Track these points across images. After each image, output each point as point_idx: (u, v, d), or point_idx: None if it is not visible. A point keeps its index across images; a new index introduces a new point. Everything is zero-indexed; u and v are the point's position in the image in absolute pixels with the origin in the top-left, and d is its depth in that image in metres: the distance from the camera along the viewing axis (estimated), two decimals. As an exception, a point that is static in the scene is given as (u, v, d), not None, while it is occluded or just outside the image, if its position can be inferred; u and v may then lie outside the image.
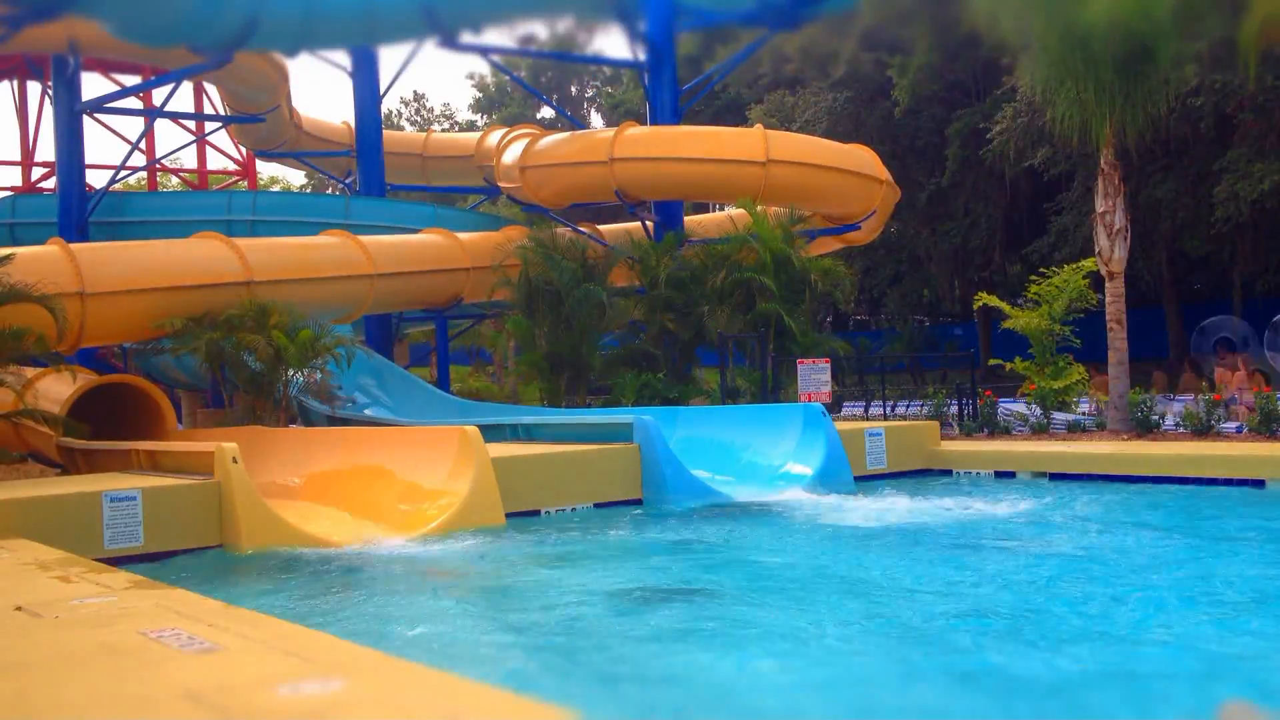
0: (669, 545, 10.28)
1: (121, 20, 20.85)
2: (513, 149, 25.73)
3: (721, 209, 33.43)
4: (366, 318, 25.09)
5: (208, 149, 40.05)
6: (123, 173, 28.20)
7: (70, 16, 21.03)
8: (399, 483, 12.28)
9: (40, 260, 18.08)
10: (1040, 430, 17.37)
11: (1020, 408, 18.48)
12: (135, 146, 27.04)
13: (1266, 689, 5.42)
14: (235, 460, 10.71)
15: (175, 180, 49.81)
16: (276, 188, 64.28)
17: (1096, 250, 17.75)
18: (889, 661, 6.10)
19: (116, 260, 19.14)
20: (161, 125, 39.45)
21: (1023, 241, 36.41)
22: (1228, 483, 12.48)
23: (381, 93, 28.04)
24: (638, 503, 12.98)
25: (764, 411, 16.00)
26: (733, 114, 45.23)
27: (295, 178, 66.99)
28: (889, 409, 20.80)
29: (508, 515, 11.61)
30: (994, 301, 21.21)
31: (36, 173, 37.17)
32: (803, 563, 9.15)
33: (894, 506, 11.93)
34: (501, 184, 26.56)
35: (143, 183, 46.05)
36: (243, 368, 18.67)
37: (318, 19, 21.61)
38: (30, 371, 18.58)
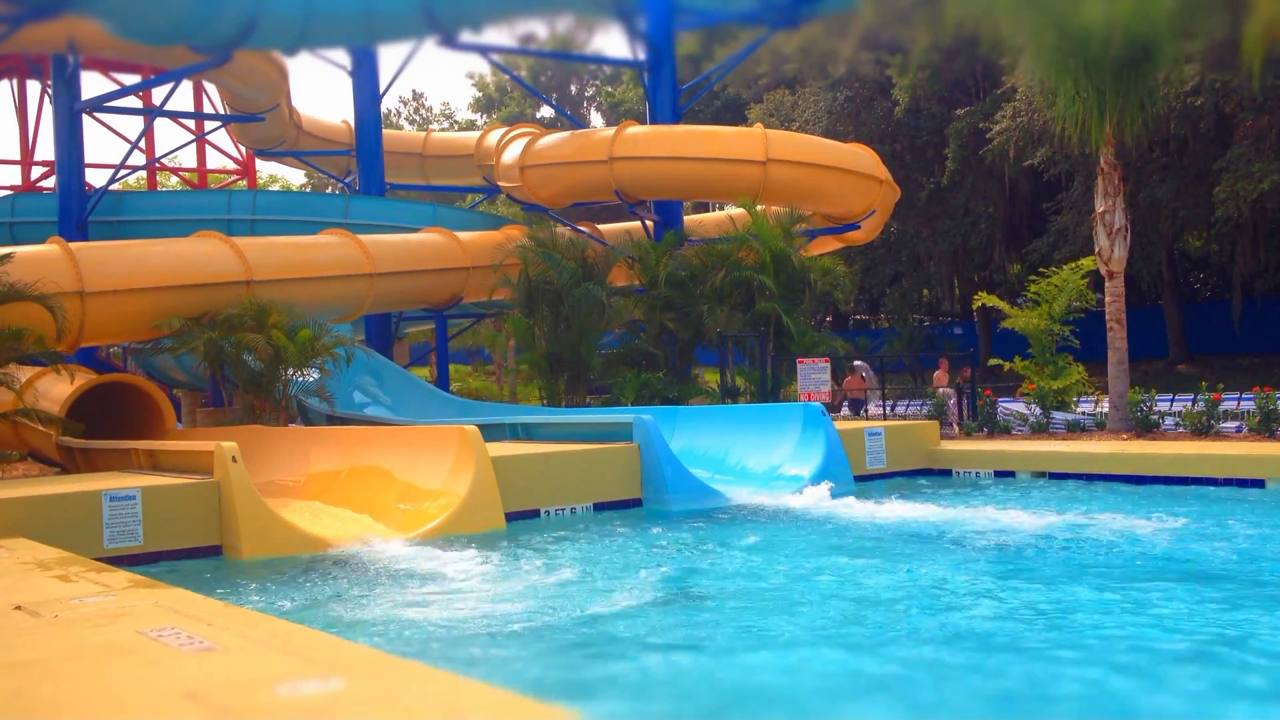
0: (668, 546, 10.27)
1: (121, 19, 20.83)
2: (512, 148, 25.73)
3: (721, 209, 33.43)
4: (366, 317, 25.09)
5: (207, 148, 40.06)
6: (122, 172, 28.16)
7: (70, 16, 21.01)
8: (398, 482, 12.27)
9: (40, 259, 18.08)
10: (1040, 430, 17.36)
11: (1020, 407, 18.47)
12: (135, 145, 27.01)
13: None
14: (235, 459, 10.70)
15: (175, 179, 49.82)
16: (276, 187, 64.28)
17: (1096, 250, 17.75)
18: (888, 662, 6.09)
19: (116, 259, 19.14)
20: (161, 124, 39.47)
21: (1023, 241, 36.40)
22: (1228, 483, 12.49)
23: (381, 92, 28.03)
24: (637, 503, 12.97)
25: (764, 411, 15.99)
26: (732, 114, 45.19)
27: (295, 177, 67.03)
28: (889, 408, 20.81)
29: (507, 515, 11.60)
30: (994, 301, 21.21)
31: (36, 172, 37.18)
32: (802, 563, 9.14)
33: (893, 506, 11.92)
34: (501, 183, 26.56)
35: (142, 182, 46.05)
36: (242, 367, 18.67)
37: (317, 18, 21.60)
38: (30, 371, 18.57)
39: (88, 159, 25.67)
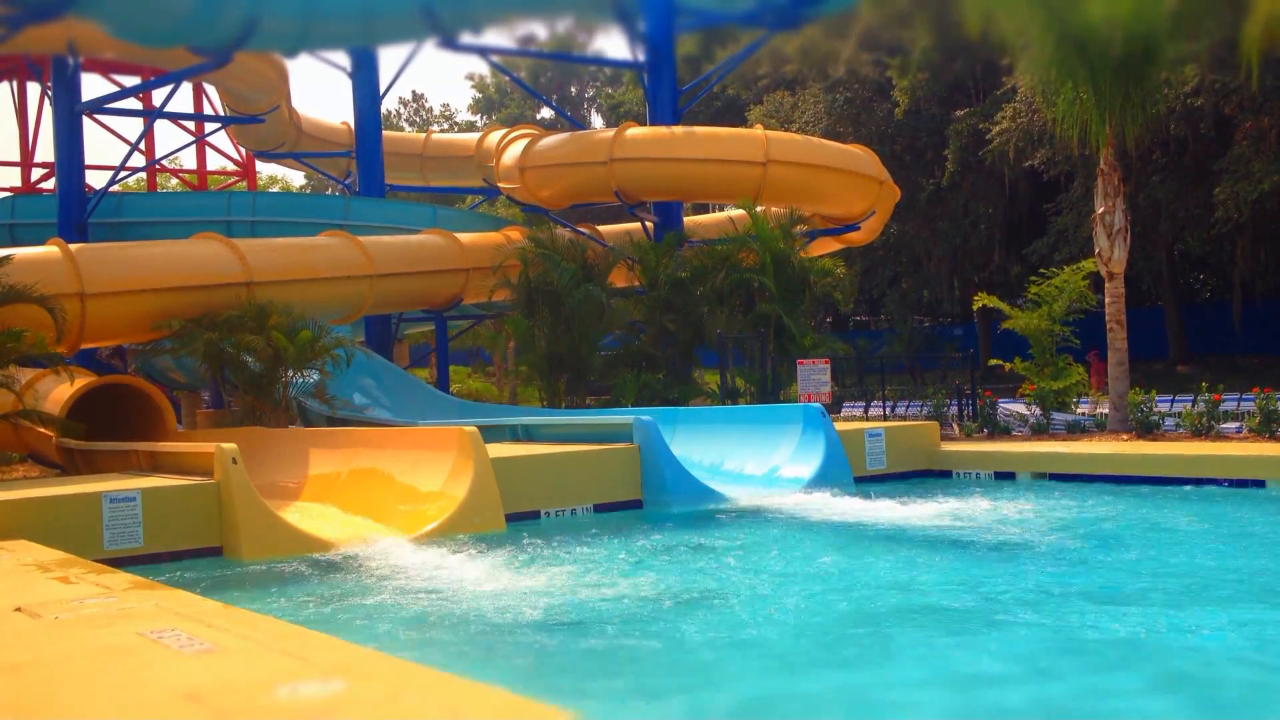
0: (669, 548, 10.27)
1: (121, 21, 20.83)
2: (512, 149, 25.73)
3: (721, 209, 33.44)
4: (366, 318, 25.09)
5: (207, 149, 40.06)
6: (122, 173, 28.16)
7: (70, 17, 21.02)
8: (398, 484, 12.27)
9: (40, 261, 18.08)
10: (1040, 431, 17.35)
11: (1020, 408, 18.46)
12: (135, 147, 27.01)
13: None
14: (235, 461, 10.70)
15: (175, 181, 49.82)
16: (276, 188, 64.30)
17: (1096, 251, 17.75)
18: (887, 663, 6.10)
19: (116, 261, 19.14)
20: (161, 126, 39.47)
21: (1023, 242, 36.40)
22: (1228, 483, 12.48)
23: (381, 93, 28.03)
24: (638, 504, 12.96)
25: (764, 412, 15.99)
26: (732, 115, 45.21)
27: (295, 178, 67.03)
28: (889, 409, 20.80)
29: (507, 516, 11.59)
30: (993, 302, 21.19)
31: (36, 173, 37.16)
32: (802, 565, 9.15)
33: (893, 508, 11.91)
34: (501, 184, 26.56)
35: (142, 183, 46.08)
36: (242, 368, 18.67)
37: (318, 19, 21.60)
38: (29, 372, 18.56)
39: (88, 160, 25.66)
